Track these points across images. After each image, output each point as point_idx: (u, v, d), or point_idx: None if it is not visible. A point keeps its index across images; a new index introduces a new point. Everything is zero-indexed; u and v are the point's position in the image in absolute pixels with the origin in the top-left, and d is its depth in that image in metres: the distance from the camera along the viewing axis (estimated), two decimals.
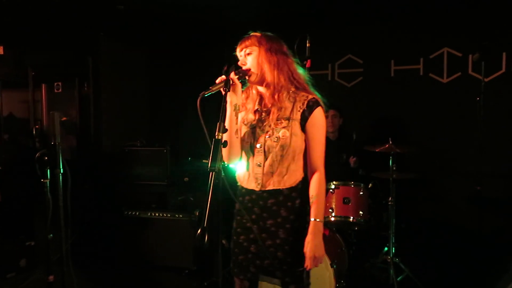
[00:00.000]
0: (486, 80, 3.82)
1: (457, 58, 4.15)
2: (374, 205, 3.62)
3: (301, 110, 1.81)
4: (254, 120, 1.89)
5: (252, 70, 1.84)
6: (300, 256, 1.80)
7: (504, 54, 4.00)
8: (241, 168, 1.96)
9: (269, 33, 1.91)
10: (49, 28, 4.64)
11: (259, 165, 1.85)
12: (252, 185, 1.88)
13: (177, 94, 5.13)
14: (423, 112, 4.26)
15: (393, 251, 3.49)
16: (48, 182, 2.33)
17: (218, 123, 1.65)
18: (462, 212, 4.04)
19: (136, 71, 5.34)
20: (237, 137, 1.89)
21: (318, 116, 1.82)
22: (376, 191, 3.64)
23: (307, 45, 2.89)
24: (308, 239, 1.79)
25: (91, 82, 4.91)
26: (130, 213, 3.96)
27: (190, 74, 5.04)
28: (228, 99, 1.79)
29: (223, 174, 1.65)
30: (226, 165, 1.83)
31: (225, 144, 1.64)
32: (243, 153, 1.91)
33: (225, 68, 1.78)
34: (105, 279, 3.75)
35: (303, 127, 1.82)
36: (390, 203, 3.53)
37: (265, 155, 1.84)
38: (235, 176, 1.97)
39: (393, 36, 4.37)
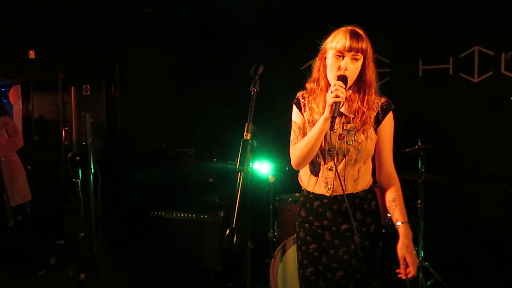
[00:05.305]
0: None
1: (489, 56, 4.01)
2: None
3: (375, 113, 1.77)
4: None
5: (350, 77, 1.68)
6: (374, 264, 1.76)
7: None
8: (304, 173, 1.88)
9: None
10: (78, 32, 4.76)
11: (331, 169, 1.77)
12: (321, 190, 1.79)
13: (202, 96, 5.16)
14: (453, 113, 4.13)
15: (422, 254, 3.41)
16: (79, 182, 2.38)
17: (246, 124, 1.64)
18: (495, 216, 3.89)
19: (162, 74, 5.41)
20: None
21: (391, 120, 1.83)
22: (404, 193, 3.55)
23: None
24: (405, 243, 1.70)
25: (118, 85, 5.01)
26: (155, 213, 4.00)
27: (215, 76, 5.06)
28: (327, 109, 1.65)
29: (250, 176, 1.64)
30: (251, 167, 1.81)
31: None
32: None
33: (254, 68, 1.77)
34: (132, 278, 3.79)
35: (376, 130, 1.79)
36: (419, 205, 3.45)
37: (337, 158, 1.75)
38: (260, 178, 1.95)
39: (421, 34, 4.25)
